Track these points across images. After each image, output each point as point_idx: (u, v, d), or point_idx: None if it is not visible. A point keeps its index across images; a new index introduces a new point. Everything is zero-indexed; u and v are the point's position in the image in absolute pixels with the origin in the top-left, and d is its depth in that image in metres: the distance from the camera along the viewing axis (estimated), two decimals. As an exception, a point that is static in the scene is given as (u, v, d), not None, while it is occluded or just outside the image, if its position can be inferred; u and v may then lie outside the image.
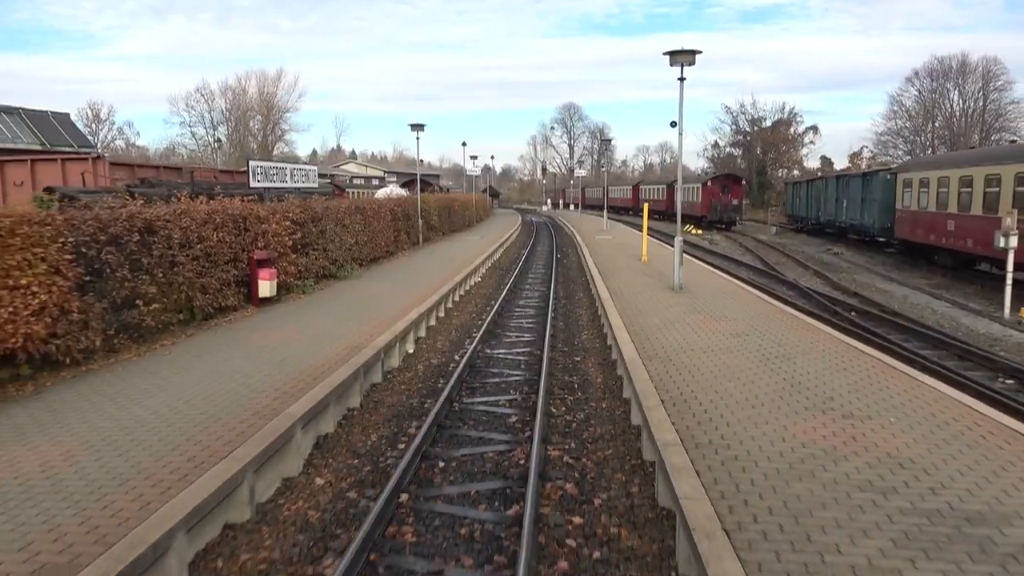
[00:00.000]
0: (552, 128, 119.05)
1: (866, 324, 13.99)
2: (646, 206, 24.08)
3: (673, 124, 14.89)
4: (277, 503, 5.92)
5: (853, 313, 15.45)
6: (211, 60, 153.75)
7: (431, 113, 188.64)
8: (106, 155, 28.58)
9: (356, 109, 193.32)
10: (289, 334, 10.60)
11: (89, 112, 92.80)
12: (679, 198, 15.87)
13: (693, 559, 4.38)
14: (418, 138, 28.65)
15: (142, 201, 11.43)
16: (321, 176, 36.12)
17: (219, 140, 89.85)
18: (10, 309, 7.59)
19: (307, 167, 20.53)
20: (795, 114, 75.81)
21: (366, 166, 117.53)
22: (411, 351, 11.43)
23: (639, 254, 22.78)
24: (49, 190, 14.61)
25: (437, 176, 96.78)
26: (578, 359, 10.93)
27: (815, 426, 6.41)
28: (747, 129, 77.51)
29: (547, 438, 7.33)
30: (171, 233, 10.86)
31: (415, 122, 27.74)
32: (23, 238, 7.91)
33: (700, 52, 14.38)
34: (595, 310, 14.77)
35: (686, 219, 51.03)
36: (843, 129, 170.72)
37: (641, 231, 24.46)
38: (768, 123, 76.51)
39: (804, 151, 76.51)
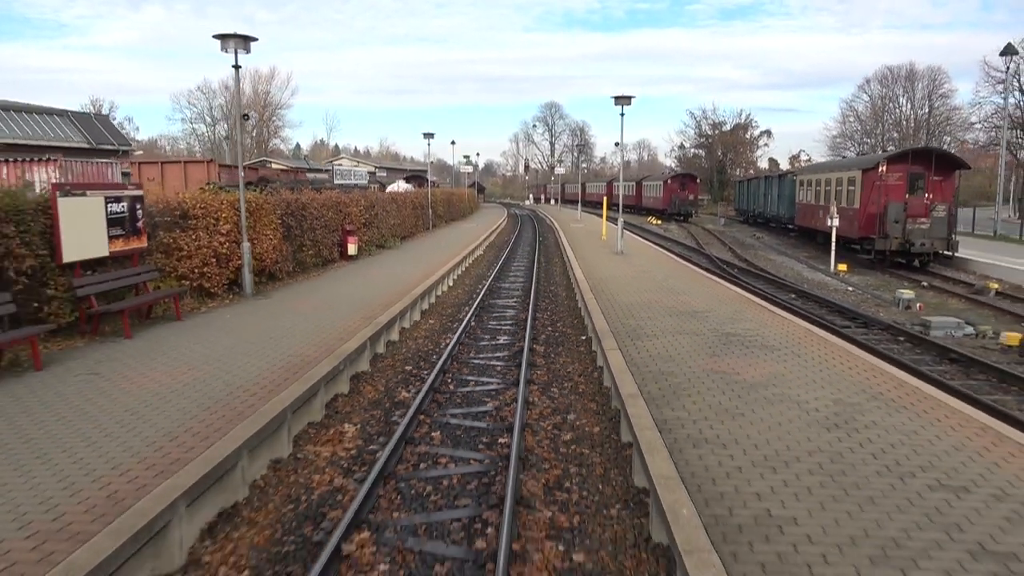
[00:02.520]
0: (534, 126, 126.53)
1: (735, 275, 21.74)
2: (605, 199, 31.77)
3: (616, 144, 22.52)
4: (408, 335, 13.41)
5: (734, 270, 23.25)
6: (188, 52, 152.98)
7: (411, 108, 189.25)
8: (212, 158, 35.63)
9: (334, 102, 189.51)
10: (376, 273, 18.09)
11: (92, 107, 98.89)
12: (620, 194, 23.55)
13: (590, 320, 11.94)
14: (429, 144, 36.17)
15: (288, 191, 18.88)
16: (315, 171, 43.43)
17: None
18: (263, 248, 15.04)
19: (359, 169, 27.96)
20: (751, 119, 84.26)
21: (358, 162, 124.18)
22: (451, 283, 18.94)
23: (600, 234, 30.51)
24: (212, 183, 21.93)
25: (424, 172, 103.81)
26: (552, 286, 18.55)
27: (658, 296, 14.05)
28: (708, 132, 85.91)
29: (536, 309, 14.88)
30: (312, 212, 18.31)
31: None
32: (267, 211, 15.38)
33: (635, 97, 21.96)
34: (564, 265, 22.40)
35: (649, 211, 59.05)
36: (815, 127, 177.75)
37: (615, 223, 32.16)
38: (728, 127, 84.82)
39: (758, 152, 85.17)
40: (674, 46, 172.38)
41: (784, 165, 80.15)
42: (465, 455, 6.94)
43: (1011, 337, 11.96)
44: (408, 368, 10.30)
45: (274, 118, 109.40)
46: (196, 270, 12.82)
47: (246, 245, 13.86)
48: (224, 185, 22.46)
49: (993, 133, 64.39)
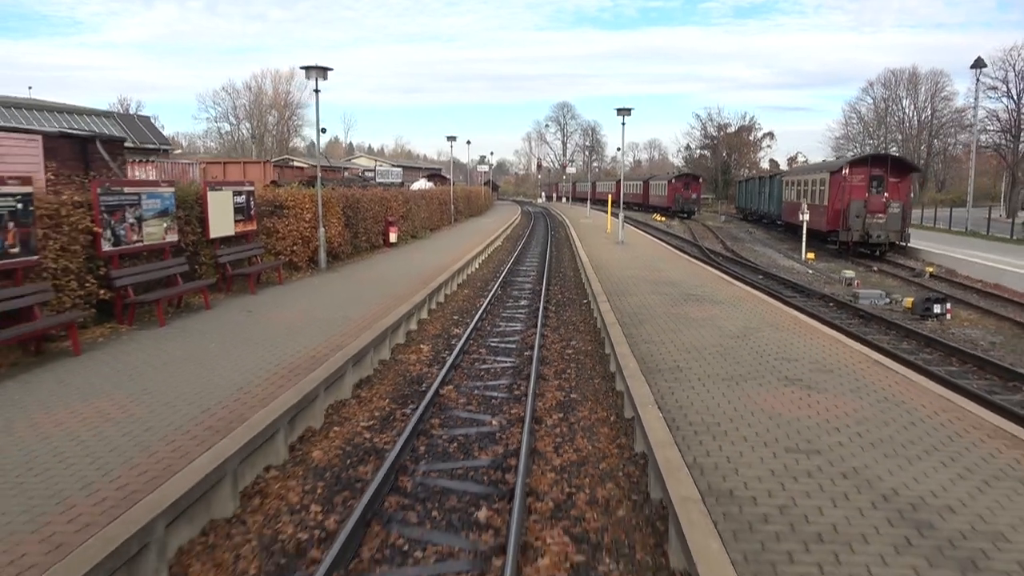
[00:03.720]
0: (547, 126, 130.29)
1: (718, 261, 25.44)
2: (610, 197, 35.51)
3: (618, 149, 26.33)
4: (450, 299, 17.24)
5: (719, 258, 26.95)
6: (201, 50, 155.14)
7: (424, 106, 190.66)
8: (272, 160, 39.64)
9: (348, 100, 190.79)
10: (416, 256, 21.94)
11: (119, 106, 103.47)
12: (622, 192, 27.26)
13: (589, 288, 15.72)
14: (452, 147, 40.00)
15: (342, 187, 22.76)
16: (332, 170, 47.36)
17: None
18: (332, 233, 18.92)
19: (395, 169, 31.86)
20: (755, 121, 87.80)
21: (376, 160, 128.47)
22: (478, 265, 22.77)
23: (606, 227, 34.28)
24: (274, 183, 25.86)
25: (439, 170, 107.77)
26: (562, 268, 22.33)
27: (645, 273, 17.82)
28: (714, 134, 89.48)
29: (549, 283, 18.66)
30: (364, 205, 22.20)
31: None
32: (334, 203, 19.27)
33: (634, 108, 25.69)
34: (573, 251, 26.18)
35: (655, 209, 62.67)
36: (825, 127, 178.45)
37: (616, 217, 35.90)
38: (733, 129, 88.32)
39: (761, 153, 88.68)
40: (686, 45, 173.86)
41: (784, 166, 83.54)
42: (503, 358, 10.78)
43: (908, 301, 15.66)
44: (455, 317, 14.13)
45: (294, 117, 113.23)
46: (288, 248, 16.74)
47: (322, 230, 17.76)
48: (281, 182, 26.41)
49: (982, 137, 67.63)
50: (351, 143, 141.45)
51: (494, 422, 7.86)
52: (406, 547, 5.09)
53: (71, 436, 5.96)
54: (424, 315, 13.88)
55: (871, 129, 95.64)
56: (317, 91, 17.37)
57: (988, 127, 68.10)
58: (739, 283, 16.62)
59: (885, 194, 26.20)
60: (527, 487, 5.96)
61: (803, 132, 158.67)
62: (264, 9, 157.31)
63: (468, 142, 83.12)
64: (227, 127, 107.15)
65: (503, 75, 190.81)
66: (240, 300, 13.24)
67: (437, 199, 35.35)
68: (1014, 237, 32.75)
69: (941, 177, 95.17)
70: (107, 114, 55.01)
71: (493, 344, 11.76)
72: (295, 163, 51.58)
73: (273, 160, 46.79)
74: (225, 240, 14.41)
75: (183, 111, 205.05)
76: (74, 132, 17.42)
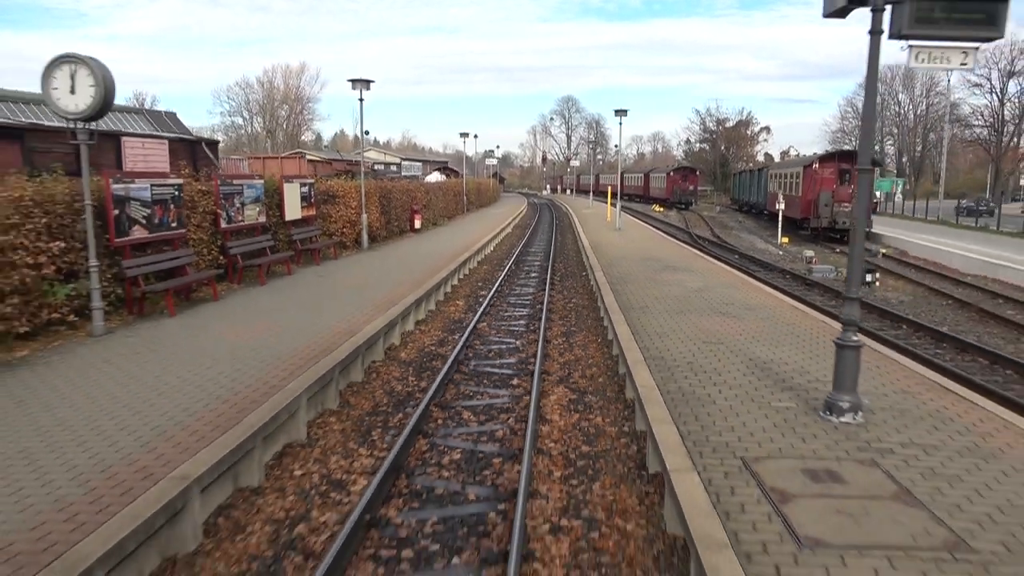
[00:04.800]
0: (551, 119, 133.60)
1: (703, 244, 28.87)
2: (609, 188, 38.98)
3: (616, 146, 29.75)
4: (474, 272, 20.76)
5: (704, 242, 30.40)
6: (205, 42, 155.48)
7: (429, 98, 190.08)
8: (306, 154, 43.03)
9: (352, 93, 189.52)
10: (440, 239, 25.45)
11: (135, 101, 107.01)
12: (619, 184, 30.76)
13: (587, 261, 19.21)
14: (465, 143, 43.40)
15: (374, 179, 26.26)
16: (346, 162, 51.07)
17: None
18: (372, 218, 22.45)
19: (416, 164, 35.38)
20: (751, 116, 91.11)
21: (385, 153, 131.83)
22: (493, 248, 26.27)
23: (606, 216, 37.75)
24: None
25: (446, 163, 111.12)
26: (566, 249, 25.82)
27: (634, 252, 21.29)
28: (713, 128, 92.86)
29: (555, 261, 22.14)
30: (395, 195, 25.71)
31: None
32: (373, 193, 22.79)
33: (628, 110, 29.12)
34: (575, 235, 29.66)
35: (655, 200, 66.04)
36: (823, 120, 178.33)
37: (615, 207, 39.39)
38: (731, 123, 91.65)
39: (758, 147, 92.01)
40: (691, 36, 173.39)
41: (778, 160, 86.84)
42: (520, 309, 14.30)
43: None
44: (480, 283, 17.65)
45: (304, 111, 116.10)
46: (339, 230, 20.26)
47: (364, 216, 21.28)
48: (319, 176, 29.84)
49: (967, 132, 70.73)
50: (356, 136, 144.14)
51: (517, 343, 11.38)
52: (471, 395, 8.62)
53: (255, 338, 9.51)
54: (455, 282, 17.40)
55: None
56: (361, 100, 20.84)
57: (973, 122, 71.34)
58: (712, 259, 20.09)
59: (851, 186, 29.54)
60: (542, 369, 9.48)
61: (808, 125, 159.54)
62: (268, 1, 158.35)
63: (475, 136, 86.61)
64: (240, 121, 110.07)
65: (507, 67, 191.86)
66: (310, 269, 16.79)
67: (452, 190, 38.85)
68: (978, 225, 36.11)
69: (938, 169, 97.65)
70: (137, 111, 58.39)
71: (512, 300, 15.29)
72: (308, 157, 55.21)
73: (283, 155, 50.30)
74: (295, 222, 17.93)
75: (189, 104, 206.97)
76: (186, 137, 20.96)
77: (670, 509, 5.08)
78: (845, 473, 5.17)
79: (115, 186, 10.65)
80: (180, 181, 12.62)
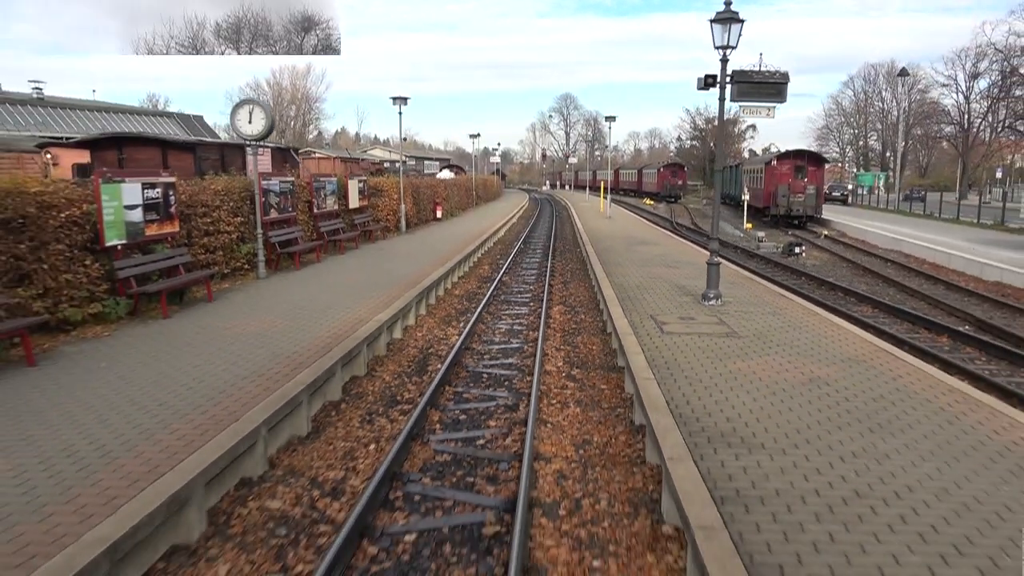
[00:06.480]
0: (550, 116, 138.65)
1: (679, 229, 34.18)
2: (603, 183, 44.35)
3: (606, 146, 35.07)
4: (491, 250, 26.12)
5: (682, 228, 35.76)
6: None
7: (427, 95, 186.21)
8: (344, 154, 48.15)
9: (353, 90, 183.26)
10: (460, 226, 30.80)
11: (149, 103, 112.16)
12: (615, 180, 36.10)
13: (581, 241, 24.58)
14: (474, 142, 48.70)
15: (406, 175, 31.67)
16: (354, 161, 56.29)
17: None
18: (407, 209, 27.80)
19: (435, 162, 40.74)
20: (738, 114, 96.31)
21: (390, 151, 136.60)
22: (502, 235, 31.58)
23: (599, 208, 43.19)
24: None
25: (448, 159, 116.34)
26: (565, 234, 31.16)
27: (620, 233, 26.65)
28: (702, 126, 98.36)
29: (555, 242, 27.47)
30: (422, 189, 31.07)
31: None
32: (407, 188, 28.15)
33: (617, 116, 34.45)
34: (573, 224, 35.00)
35: (647, 194, 71.42)
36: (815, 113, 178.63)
37: (607, 200, 44.76)
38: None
39: (744, 144, 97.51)
40: (689, 31, 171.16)
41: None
42: (530, 271, 19.67)
43: (782, 246, 24.51)
44: (498, 255, 23.01)
45: (311, 110, 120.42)
46: (385, 217, 25.64)
47: (403, 206, 26.63)
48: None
49: (936, 128, 75.94)
50: (358, 133, 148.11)
51: (531, 288, 16.76)
52: (502, 314, 14.00)
53: (361, 280, 14.87)
54: (479, 255, 22.78)
55: (852, 119, 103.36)
56: (400, 113, 26.16)
57: (941, 121, 76.53)
58: (679, 239, 25.45)
59: (804, 180, 34.93)
60: (548, 297, 14.84)
61: (801, 119, 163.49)
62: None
63: (477, 134, 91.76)
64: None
65: (506, 63, 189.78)
66: (371, 245, 22.16)
67: (464, 186, 44.21)
68: (925, 212, 41.46)
69: (924, 163, 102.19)
70: (167, 114, 63.49)
71: (524, 265, 20.68)
72: (316, 155, 60.32)
73: (319, 155, 55.53)
74: (354, 210, 23.27)
75: (192, 102, 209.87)
76: (280, 146, 26.37)
77: (615, 340, 10.45)
78: (698, 318, 10.56)
79: (264, 182, 16.01)
80: (292, 179, 17.99)
